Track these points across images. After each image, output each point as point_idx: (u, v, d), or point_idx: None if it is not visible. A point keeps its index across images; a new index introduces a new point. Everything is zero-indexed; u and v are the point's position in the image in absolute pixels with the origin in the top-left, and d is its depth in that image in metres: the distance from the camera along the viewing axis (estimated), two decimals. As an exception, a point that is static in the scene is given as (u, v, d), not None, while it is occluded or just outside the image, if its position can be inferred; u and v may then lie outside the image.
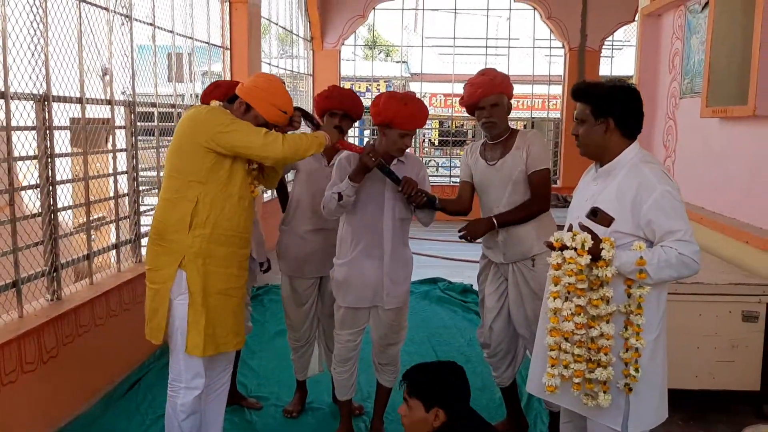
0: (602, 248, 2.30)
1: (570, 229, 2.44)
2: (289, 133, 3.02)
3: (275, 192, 4.24)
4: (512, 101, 3.53)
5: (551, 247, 2.40)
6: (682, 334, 3.80)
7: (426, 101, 19.80)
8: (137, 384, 4.34)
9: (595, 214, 2.42)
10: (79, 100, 4.24)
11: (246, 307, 3.58)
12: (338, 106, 3.64)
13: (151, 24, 5.42)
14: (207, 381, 3.11)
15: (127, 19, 4.99)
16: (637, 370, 2.36)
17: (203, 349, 2.96)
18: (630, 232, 2.37)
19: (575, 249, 2.31)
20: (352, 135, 13.45)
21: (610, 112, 2.45)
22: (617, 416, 2.44)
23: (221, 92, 3.49)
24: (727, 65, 4.73)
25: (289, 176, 4.05)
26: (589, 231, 2.35)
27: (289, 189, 4.03)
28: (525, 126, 15.22)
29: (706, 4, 5.22)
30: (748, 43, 4.35)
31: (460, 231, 3.36)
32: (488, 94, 3.37)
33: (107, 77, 4.74)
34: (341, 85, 12.50)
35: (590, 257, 2.30)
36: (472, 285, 6.72)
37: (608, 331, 2.33)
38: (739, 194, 4.68)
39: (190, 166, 2.90)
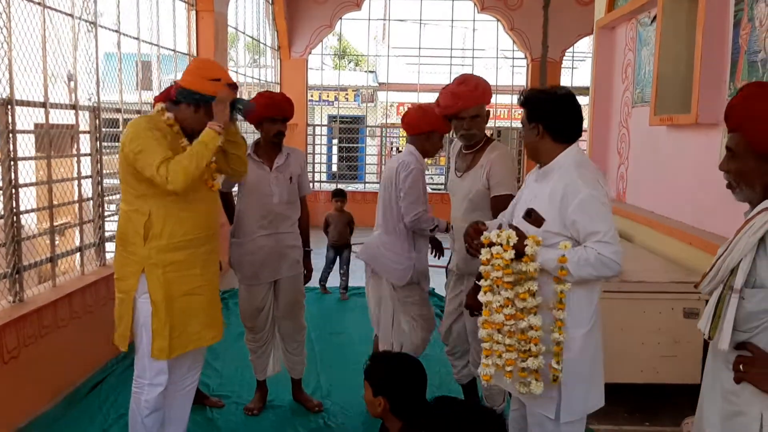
0: (526, 245, 2.44)
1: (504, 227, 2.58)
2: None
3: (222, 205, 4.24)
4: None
5: (482, 244, 2.53)
6: (627, 331, 3.97)
7: (393, 111, 20.03)
8: (100, 385, 4.38)
9: (530, 215, 2.57)
10: (43, 105, 4.30)
11: None
12: (278, 112, 3.81)
13: (116, 31, 5.49)
14: (174, 378, 3.18)
15: (92, 25, 5.06)
16: (558, 362, 2.48)
17: (169, 352, 3.03)
18: (559, 231, 2.50)
19: (501, 245, 2.45)
20: (320, 143, 13.54)
21: (539, 117, 2.59)
22: (551, 405, 2.57)
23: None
24: (673, 75, 4.97)
25: (235, 189, 4.13)
26: (516, 228, 2.50)
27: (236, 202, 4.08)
28: (492, 134, 15.44)
29: (655, 17, 5.45)
30: (691, 55, 4.58)
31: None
32: (469, 106, 3.37)
33: (72, 83, 4.80)
34: (309, 95, 12.65)
35: (514, 252, 2.44)
36: (434, 288, 6.85)
37: (536, 322, 2.45)
38: (684, 198, 4.89)
39: (135, 179, 2.95)
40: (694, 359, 4.00)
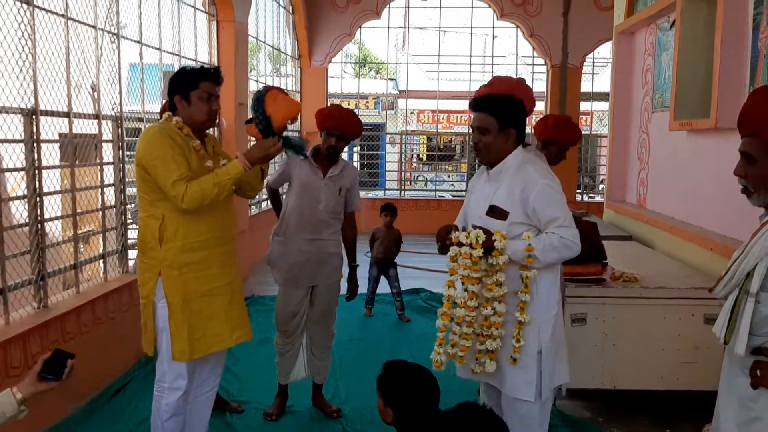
0: (494, 240, 2.64)
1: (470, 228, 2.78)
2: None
3: (270, 203, 4.40)
4: None
5: (451, 243, 2.72)
6: (647, 337, 3.95)
7: (413, 118, 20.07)
8: (122, 390, 4.44)
9: (493, 210, 2.76)
10: (67, 115, 4.38)
11: None
12: (335, 127, 3.86)
13: (138, 42, 5.58)
14: (195, 382, 3.22)
15: (115, 36, 5.15)
16: (518, 340, 2.69)
17: (190, 354, 3.05)
18: (522, 221, 2.70)
19: (471, 245, 2.65)
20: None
21: (513, 122, 2.77)
22: (530, 390, 2.73)
23: None
24: (692, 80, 4.94)
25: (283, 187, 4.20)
26: (482, 228, 2.68)
27: (283, 199, 4.15)
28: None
29: (674, 22, 5.42)
30: (711, 60, 4.55)
31: None
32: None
33: (96, 93, 4.89)
34: (328, 102, 12.76)
35: (483, 250, 2.64)
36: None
37: (501, 309, 2.67)
38: (704, 203, 4.85)
39: (150, 184, 3.01)
40: (715, 365, 3.93)
